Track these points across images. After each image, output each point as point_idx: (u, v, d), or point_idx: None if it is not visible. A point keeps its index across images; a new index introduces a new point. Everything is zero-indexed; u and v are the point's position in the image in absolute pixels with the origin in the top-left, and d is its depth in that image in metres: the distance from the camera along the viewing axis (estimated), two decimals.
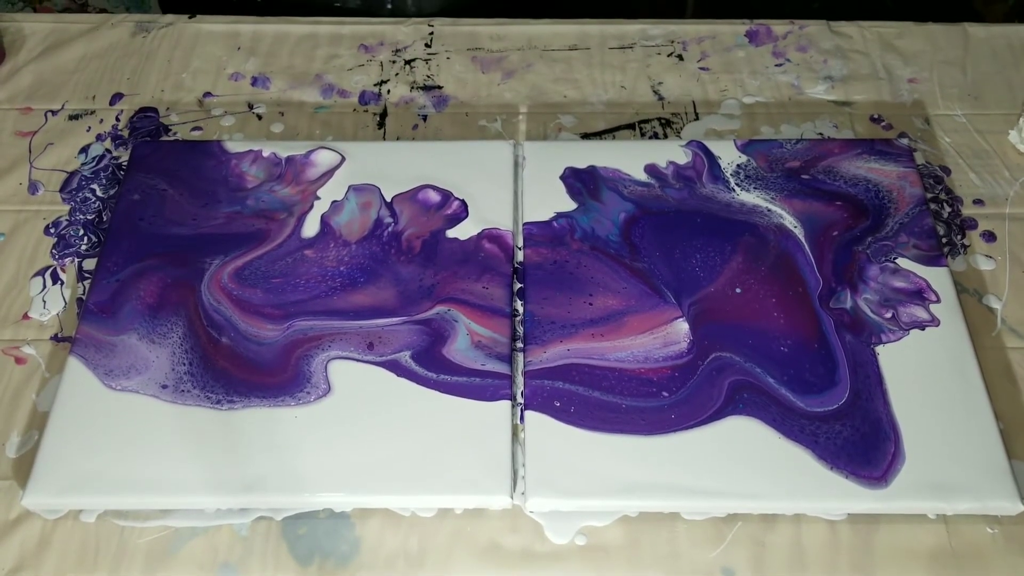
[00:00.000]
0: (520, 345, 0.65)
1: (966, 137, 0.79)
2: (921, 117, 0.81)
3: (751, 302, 0.66)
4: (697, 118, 0.81)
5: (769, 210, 0.71)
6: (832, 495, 0.58)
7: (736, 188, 0.72)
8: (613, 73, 0.85)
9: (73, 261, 0.71)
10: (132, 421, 0.60)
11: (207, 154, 0.74)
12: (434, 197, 0.72)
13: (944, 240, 0.72)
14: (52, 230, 0.73)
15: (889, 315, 0.65)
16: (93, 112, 0.82)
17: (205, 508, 0.59)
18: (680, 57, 0.86)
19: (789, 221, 0.70)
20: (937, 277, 0.67)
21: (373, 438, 0.60)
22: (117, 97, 0.83)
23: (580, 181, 0.72)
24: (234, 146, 0.75)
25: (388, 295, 0.66)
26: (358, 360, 0.63)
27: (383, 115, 0.82)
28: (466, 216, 0.70)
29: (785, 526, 0.59)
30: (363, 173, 0.73)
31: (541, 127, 0.81)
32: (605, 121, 0.81)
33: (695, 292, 0.66)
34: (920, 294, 0.66)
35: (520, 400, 0.63)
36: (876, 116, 0.81)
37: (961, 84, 0.83)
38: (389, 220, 0.70)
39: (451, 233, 0.69)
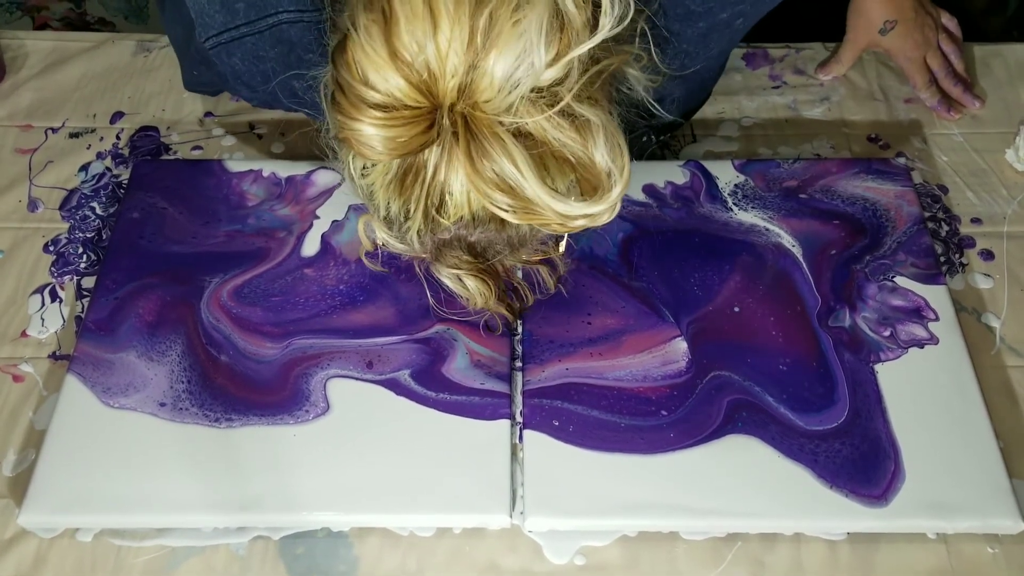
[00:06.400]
0: (519, 364, 0.65)
1: (963, 156, 0.80)
2: (918, 136, 0.81)
3: (749, 321, 0.66)
4: (695, 140, 0.81)
5: (767, 229, 0.71)
6: (832, 514, 0.57)
7: (734, 208, 0.72)
8: None
9: (72, 279, 0.71)
10: (130, 439, 0.60)
11: (207, 173, 0.75)
12: None
13: (942, 258, 0.72)
14: (51, 248, 0.73)
15: (888, 333, 0.65)
16: (94, 130, 0.82)
17: (202, 527, 0.59)
18: None
19: (787, 240, 0.70)
20: (935, 295, 0.67)
21: (372, 457, 0.60)
22: (118, 116, 0.83)
23: None
24: (234, 165, 0.75)
25: (387, 314, 0.66)
26: (357, 378, 0.63)
27: None
28: None
29: (785, 546, 0.59)
30: None
31: None
32: None
33: (693, 311, 0.66)
34: (919, 312, 0.66)
35: (519, 419, 0.62)
36: (874, 136, 0.81)
37: None
38: None
39: None
